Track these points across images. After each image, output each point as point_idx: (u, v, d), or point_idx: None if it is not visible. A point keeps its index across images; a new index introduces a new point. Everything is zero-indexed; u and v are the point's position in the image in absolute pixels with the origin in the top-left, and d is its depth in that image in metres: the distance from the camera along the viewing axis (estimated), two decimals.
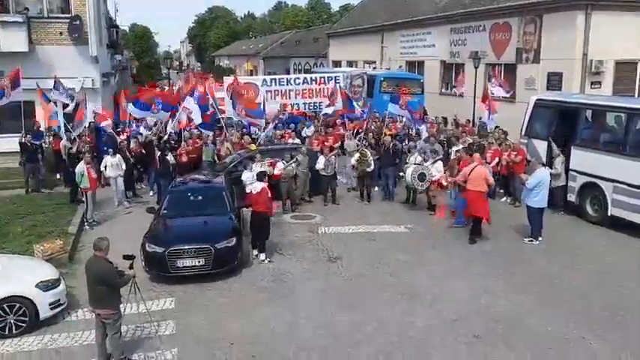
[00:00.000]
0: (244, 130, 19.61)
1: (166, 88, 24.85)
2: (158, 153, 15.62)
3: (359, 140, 17.37)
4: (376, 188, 16.20)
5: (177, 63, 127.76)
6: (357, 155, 15.47)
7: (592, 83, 19.26)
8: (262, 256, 11.14)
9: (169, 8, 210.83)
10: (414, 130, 18.75)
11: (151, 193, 16.29)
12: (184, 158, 16.35)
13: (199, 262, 10.13)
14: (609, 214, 12.84)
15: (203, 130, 17.39)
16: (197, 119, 17.08)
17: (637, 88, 19.68)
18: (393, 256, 11.41)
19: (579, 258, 11.26)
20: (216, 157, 16.60)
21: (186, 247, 10.14)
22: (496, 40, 23.12)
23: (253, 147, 16.43)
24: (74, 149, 15.66)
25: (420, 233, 12.89)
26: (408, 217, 14.08)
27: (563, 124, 14.30)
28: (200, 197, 11.82)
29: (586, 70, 19.09)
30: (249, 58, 64.89)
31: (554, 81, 19.95)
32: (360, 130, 18.59)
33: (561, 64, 19.64)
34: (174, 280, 10.11)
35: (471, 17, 24.85)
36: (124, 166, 15.16)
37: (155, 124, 18.75)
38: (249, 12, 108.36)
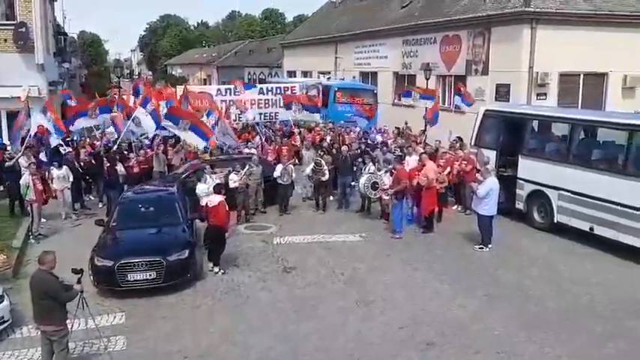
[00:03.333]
0: None
1: (116, 96, 24.24)
2: (107, 163, 15.24)
3: (315, 150, 17.44)
4: (331, 197, 16.28)
5: (128, 71, 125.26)
6: (311, 165, 15.52)
7: (538, 94, 19.92)
8: (216, 268, 10.99)
9: (120, 16, 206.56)
10: (369, 139, 18.99)
11: (100, 205, 15.86)
12: (136, 169, 16.01)
13: (150, 275, 9.91)
14: (555, 220, 13.29)
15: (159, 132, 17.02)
16: (149, 127, 16.65)
17: (580, 99, 20.45)
18: (348, 264, 11.47)
19: (527, 263, 11.59)
20: (165, 168, 16.32)
21: (136, 260, 9.89)
22: (446, 53, 23.69)
23: (207, 156, 16.24)
24: (12, 162, 14.92)
25: (374, 241, 13.00)
26: (362, 226, 14.19)
27: (511, 134, 14.73)
28: (151, 208, 11.58)
29: (532, 81, 19.73)
30: (202, 67, 64.33)
31: (503, 92, 20.54)
32: (318, 140, 18.69)
33: (509, 75, 20.26)
34: (125, 294, 9.85)
35: (422, 30, 25.38)
36: (71, 178, 14.73)
37: (103, 133, 18.32)
38: (202, 21, 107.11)
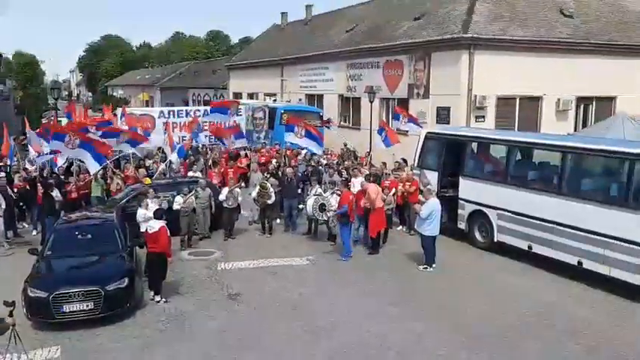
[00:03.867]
0: (140, 162, 18.92)
1: (52, 119, 23.41)
2: (41, 189, 14.62)
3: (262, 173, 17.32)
4: (278, 220, 16.16)
5: (67, 93, 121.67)
6: (257, 188, 15.38)
7: (477, 117, 20.58)
8: (158, 297, 10.64)
9: (58, 36, 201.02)
10: (313, 161, 19.01)
11: (35, 233, 15.18)
12: (74, 194, 15.42)
13: (88, 305, 9.50)
14: (495, 239, 13.64)
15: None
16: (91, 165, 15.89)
17: (517, 121, 21.28)
18: (295, 289, 11.35)
19: (470, 282, 11.81)
20: (104, 193, 15.81)
21: (72, 291, 9.47)
22: (389, 76, 24.19)
23: (148, 181, 15.82)
24: None
25: (321, 265, 12.95)
26: (309, 249, 14.13)
27: (452, 156, 15.10)
28: (89, 236, 11.14)
29: (471, 104, 20.40)
30: (144, 89, 63.11)
31: (443, 115, 21.13)
32: (267, 163, 18.59)
33: (449, 99, 20.86)
34: (60, 326, 9.39)
35: (365, 54, 25.87)
36: (3, 205, 14.02)
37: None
38: (144, 41, 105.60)
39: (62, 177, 16.44)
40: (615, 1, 25.44)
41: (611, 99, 22.54)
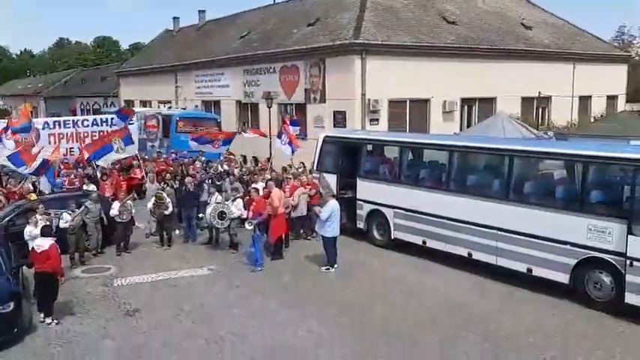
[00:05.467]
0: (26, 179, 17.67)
1: None
2: None
3: (159, 182, 16.79)
4: (177, 231, 15.74)
5: None
6: (153, 199, 14.90)
7: (371, 120, 21.33)
8: (48, 319, 9.98)
9: None
10: (213, 169, 18.74)
11: None
12: None
13: None
14: (392, 237, 14.18)
15: None
16: None
17: (408, 123, 22.26)
18: (197, 300, 11.12)
19: (370, 280, 12.17)
20: None
21: None
22: (286, 82, 24.41)
23: (33, 196, 14.82)
24: None
25: (222, 274, 12.77)
26: (210, 259, 13.89)
27: (349, 158, 15.50)
28: None
29: (365, 108, 21.09)
30: (27, 99, 59.00)
31: (340, 119, 21.67)
32: (163, 173, 18.01)
33: (344, 103, 21.44)
34: None
35: (261, 60, 25.92)
36: None
37: None
38: (25, 49, 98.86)
39: None
40: (495, 9, 27.45)
41: (492, 100, 24.23)
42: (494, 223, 11.67)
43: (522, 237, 11.16)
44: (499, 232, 11.58)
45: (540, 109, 25.33)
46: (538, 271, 11.03)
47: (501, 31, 25.72)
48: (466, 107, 24.10)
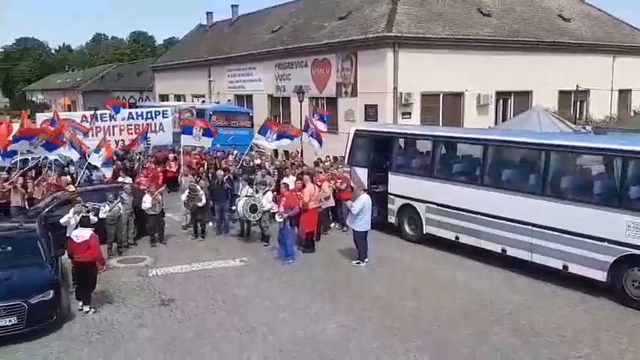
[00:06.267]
0: (65, 169, 18.17)
1: None
2: None
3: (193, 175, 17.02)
4: (210, 223, 15.94)
5: None
6: (187, 192, 15.13)
7: (403, 114, 21.17)
8: (86, 307, 10.26)
9: None
10: (244, 162, 18.90)
11: None
12: None
13: (10, 321, 9.02)
14: (424, 232, 14.08)
15: None
16: None
17: (441, 116, 22.03)
18: (229, 291, 11.26)
19: (401, 275, 12.13)
20: (26, 202, 15.06)
21: None
22: (317, 75, 24.41)
23: (72, 188, 15.21)
24: None
25: (254, 266, 12.91)
26: (242, 251, 14.04)
27: (381, 152, 15.46)
28: (9, 248, 10.58)
29: (397, 102, 20.94)
30: (65, 93, 60.59)
31: (371, 112, 21.57)
32: (197, 166, 18.27)
33: (376, 97, 21.32)
34: None
35: (293, 54, 25.98)
36: None
37: None
38: (64, 44, 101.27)
39: None
40: (532, 0, 26.85)
41: (527, 93, 23.78)
42: (529, 219, 11.47)
43: (558, 233, 10.94)
44: (534, 229, 11.37)
45: (578, 103, 24.76)
46: (574, 268, 10.81)
47: (538, 23, 25.18)
48: (501, 101, 23.72)
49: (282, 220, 13.14)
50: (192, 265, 12.96)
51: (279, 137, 17.65)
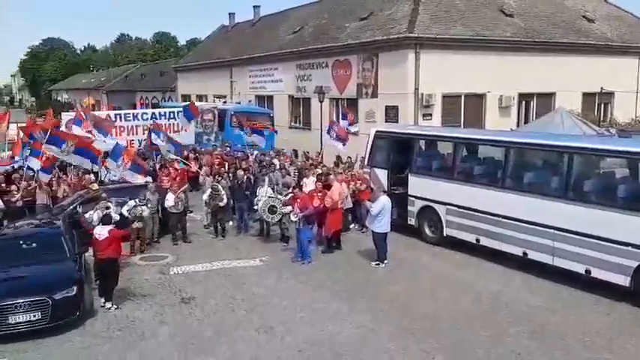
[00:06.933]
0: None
1: None
2: None
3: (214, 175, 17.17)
4: (230, 223, 16.07)
5: (8, 98, 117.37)
6: (208, 191, 15.27)
7: (424, 115, 21.05)
8: (108, 304, 10.43)
9: None
10: (267, 162, 19.04)
11: None
12: (19, 203, 14.87)
13: (35, 316, 9.22)
14: (445, 234, 13.99)
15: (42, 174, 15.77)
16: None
17: (462, 118, 21.87)
18: (248, 290, 11.35)
19: (420, 277, 12.08)
20: (50, 200, 15.32)
21: (18, 301, 9.17)
22: (338, 76, 24.42)
23: (95, 187, 15.46)
24: None
25: (273, 265, 12.98)
26: (262, 250, 14.12)
27: (401, 154, 15.39)
28: (34, 244, 10.80)
29: (418, 103, 20.83)
30: (90, 92, 61.53)
31: (392, 114, 21.50)
32: (218, 166, 18.45)
33: (397, 98, 21.24)
34: (6, 338, 9.07)
35: (313, 54, 26.02)
36: None
37: None
38: (89, 44, 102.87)
39: (3, 185, 15.85)
40: (555, 1, 26.51)
41: (550, 95, 23.49)
42: (551, 223, 11.33)
43: (581, 237, 10.80)
44: (557, 232, 11.24)
45: (602, 105, 24.37)
46: (597, 273, 10.66)
47: (562, 23, 24.86)
48: (523, 103, 23.46)
49: (297, 219, 13.18)
50: (212, 263, 13.08)
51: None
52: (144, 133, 21.40)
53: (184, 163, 18.73)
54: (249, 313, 10.25)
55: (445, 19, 21.94)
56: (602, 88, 22.84)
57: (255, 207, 14.97)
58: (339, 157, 18.47)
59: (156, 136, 19.15)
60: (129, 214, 13.36)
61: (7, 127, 19.59)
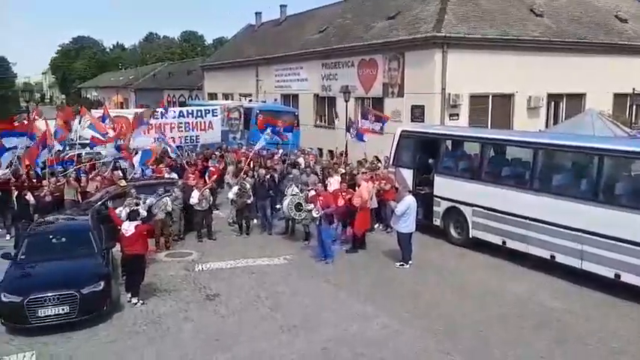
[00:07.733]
0: (116, 164, 18.70)
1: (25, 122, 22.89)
2: (15, 192, 14.38)
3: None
4: (255, 221, 16.15)
5: (39, 95, 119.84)
6: (235, 188, 15.36)
7: (450, 115, 20.83)
8: (135, 299, 10.57)
9: (29, 37, 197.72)
10: (290, 160, 19.09)
11: (8, 237, 14.89)
12: (48, 198, 15.17)
13: (63, 309, 9.41)
14: (470, 235, 13.84)
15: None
16: None
17: (489, 119, 21.60)
18: (272, 288, 11.39)
19: (445, 279, 11.97)
20: (79, 196, 15.59)
21: (48, 295, 9.36)
22: (364, 76, 24.33)
23: (123, 183, 15.67)
24: None
25: (297, 264, 13.00)
26: (286, 249, 14.16)
27: (427, 154, 15.28)
28: (63, 239, 10.99)
29: (445, 103, 20.63)
30: (118, 90, 62.50)
31: (418, 113, 21.33)
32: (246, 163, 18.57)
33: (423, 97, 21.07)
34: (35, 331, 9.27)
35: (339, 54, 25.97)
36: None
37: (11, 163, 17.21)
38: (118, 43, 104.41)
39: (34, 180, 16.18)
40: (585, 0, 26.00)
41: (580, 96, 23.04)
42: (580, 226, 11.13)
43: (611, 241, 10.57)
44: (586, 235, 11.03)
45: (634, 107, 23.79)
46: (626, 277, 10.43)
47: (593, 23, 24.36)
48: (553, 103, 23.04)
49: (318, 215, 13.16)
50: (236, 261, 13.16)
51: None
52: (171, 131, 21.60)
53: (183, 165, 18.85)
54: (272, 311, 10.29)
55: (473, 18, 21.68)
56: (634, 89, 22.32)
57: (278, 206, 15.01)
58: (364, 159, 18.37)
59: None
60: (155, 207, 13.51)
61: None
